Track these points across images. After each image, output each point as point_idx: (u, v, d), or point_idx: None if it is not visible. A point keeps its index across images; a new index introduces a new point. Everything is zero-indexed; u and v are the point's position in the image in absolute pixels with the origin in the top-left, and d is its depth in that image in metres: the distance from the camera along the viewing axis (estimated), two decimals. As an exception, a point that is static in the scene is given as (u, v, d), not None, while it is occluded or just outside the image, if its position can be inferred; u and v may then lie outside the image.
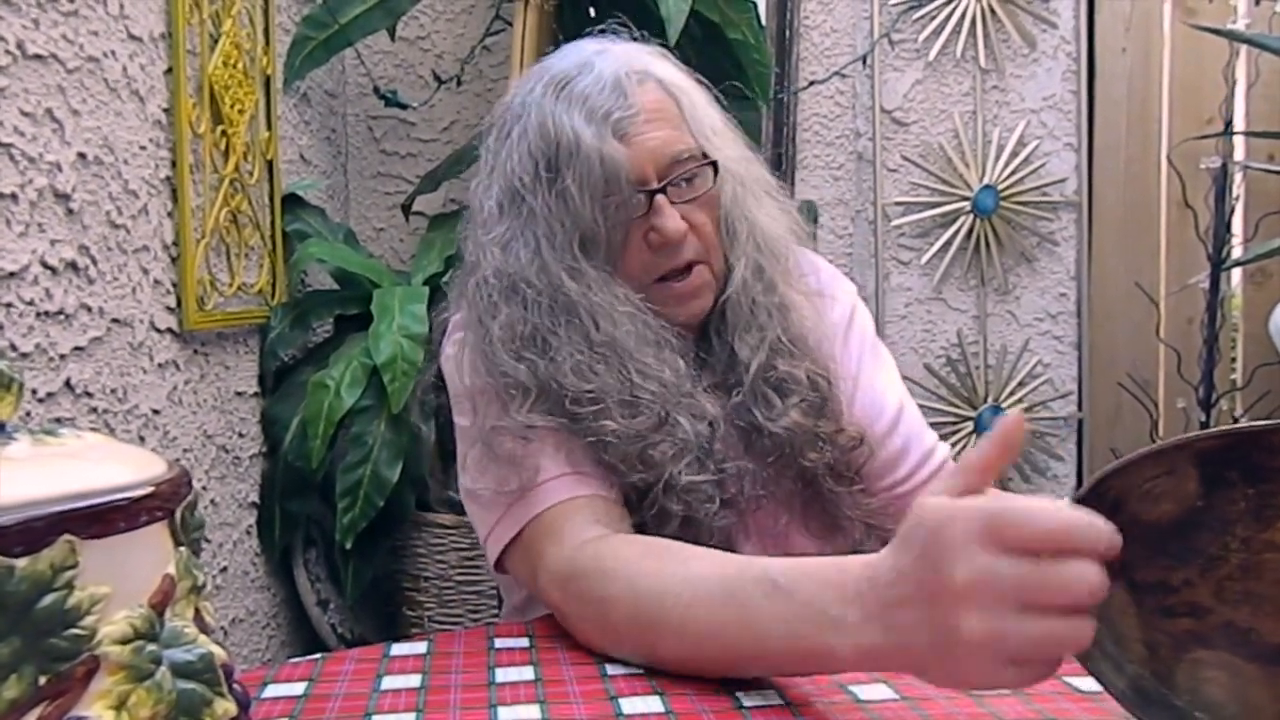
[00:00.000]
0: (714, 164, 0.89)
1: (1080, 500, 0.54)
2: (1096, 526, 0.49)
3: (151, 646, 0.37)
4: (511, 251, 0.88)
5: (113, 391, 1.27)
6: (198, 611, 0.40)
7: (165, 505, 0.39)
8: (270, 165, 1.78)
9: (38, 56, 1.11)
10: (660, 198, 0.86)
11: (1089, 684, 0.63)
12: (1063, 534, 0.49)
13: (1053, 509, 0.50)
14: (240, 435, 1.69)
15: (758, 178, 0.96)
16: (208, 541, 1.55)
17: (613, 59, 0.89)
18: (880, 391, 0.99)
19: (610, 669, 0.70)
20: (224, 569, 1.62)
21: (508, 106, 0.93)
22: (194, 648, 0.38)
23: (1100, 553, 0.49)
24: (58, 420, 1.14)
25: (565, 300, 0.86)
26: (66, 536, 0.34)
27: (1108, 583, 0.49)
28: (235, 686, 0.40)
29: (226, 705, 0.39)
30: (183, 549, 0.40)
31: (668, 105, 0.89)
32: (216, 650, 0.39)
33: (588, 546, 0.77)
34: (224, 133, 1.59)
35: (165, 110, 1.42)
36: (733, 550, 0.87)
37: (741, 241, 0.92)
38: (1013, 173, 2.41)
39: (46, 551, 0.34)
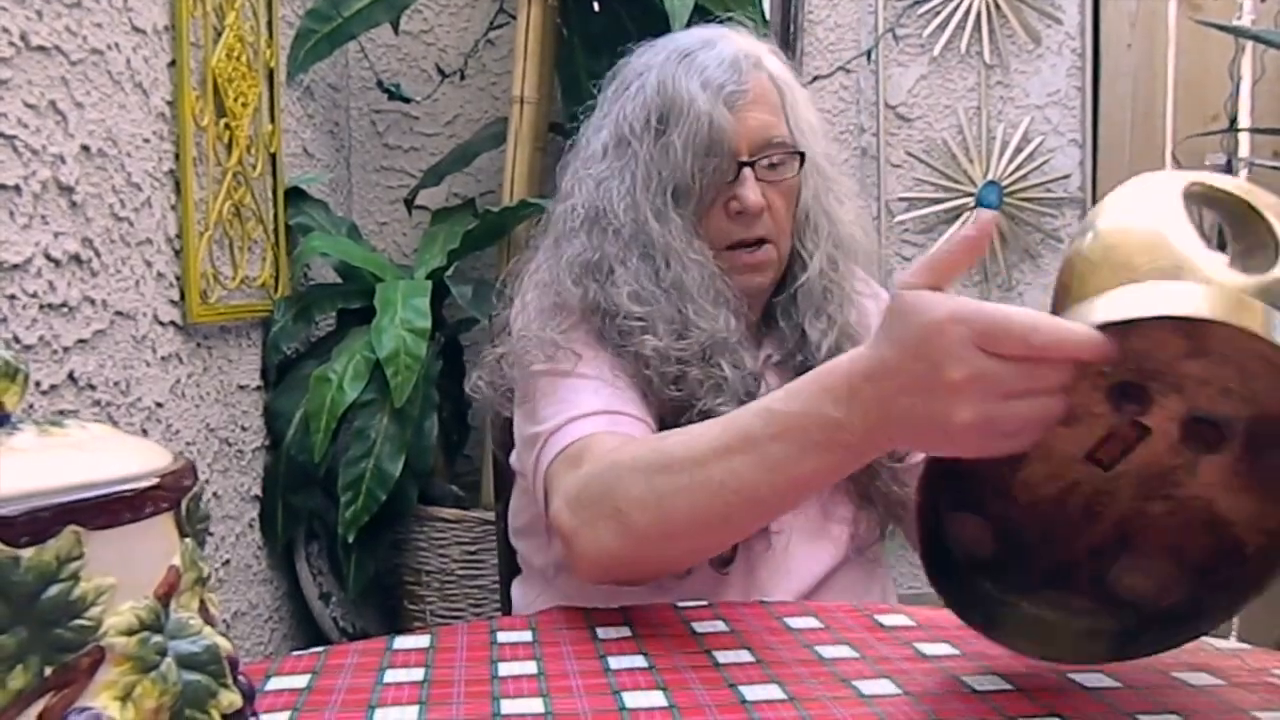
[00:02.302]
0: (801, 155, 0.97)
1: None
2: (1080, 335, 0.54)
3: (157, 638, 0.37)
4: (606, 188, 0.96)
5: (116, 384, 1.27)
6: (203, 603, 0.40)
7: (171, 496, 0.39)
8: (273, 158, 1.78)
9: (41, 48, 1.11)
10: (747, 170, 0.94)
11: (1093, 679, 0.64)
12: (1055, 347, 0.54)
13: (1040, 322, 0.55)
14: (243, 429, 1.69)
15: (842, 182, 1.04)
16: (210, 535, 1.55)
17: (733, 43, 0.98)
18: None
19: (613, 662, 0.70)
20: (226, 562, 1.62)
21: (629, 65, 1.01)
22: (199, 639, 0.38)
23: (1089, 356, 0.54)
24: (60, 413, 1.14)
25: (645, 237, 0.93)
26: (72, 527, 0.34)
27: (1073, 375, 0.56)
28: (240, 678, 0.40)
29: (232, 697, 0.39)
30: (188, 540, 0.40)
31: (772, 94, 0.97)
32: (222, 642, 0.39)
33: (601, 460, 0.80)
34: (227, 126, 1.59)
35: (169, 103, 1.42)
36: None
37: (822, 234, 0.99)
38: (1017, 169, 2.40)
39: (52, 542, 0.34)
